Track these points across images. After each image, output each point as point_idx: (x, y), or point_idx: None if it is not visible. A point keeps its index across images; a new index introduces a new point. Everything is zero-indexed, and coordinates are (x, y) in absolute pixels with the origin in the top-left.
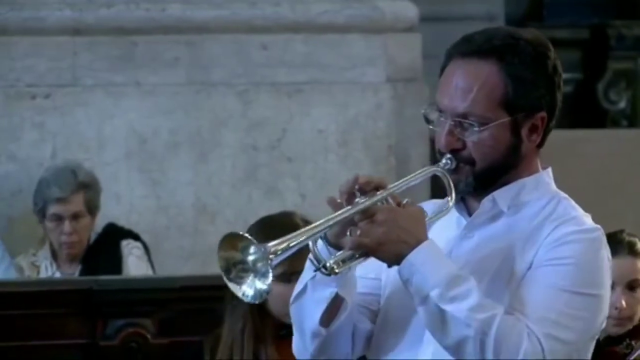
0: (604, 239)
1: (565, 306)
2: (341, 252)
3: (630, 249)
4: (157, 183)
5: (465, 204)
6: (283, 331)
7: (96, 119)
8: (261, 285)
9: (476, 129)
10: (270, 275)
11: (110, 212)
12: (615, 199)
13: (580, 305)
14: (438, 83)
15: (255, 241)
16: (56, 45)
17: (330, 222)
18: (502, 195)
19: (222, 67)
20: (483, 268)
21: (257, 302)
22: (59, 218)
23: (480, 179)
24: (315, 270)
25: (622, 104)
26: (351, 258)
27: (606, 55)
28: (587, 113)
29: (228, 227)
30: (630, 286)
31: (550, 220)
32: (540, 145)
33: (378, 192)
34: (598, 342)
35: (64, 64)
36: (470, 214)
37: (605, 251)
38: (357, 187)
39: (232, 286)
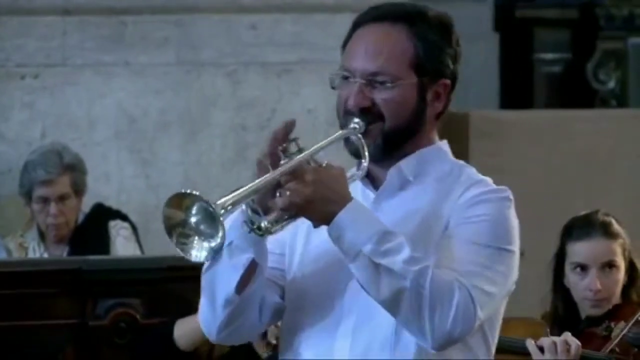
0: (512, 199)
1: (487, 260)
2: (271, 214)
3: (604, 231)
4: (146, 163)
5: (369, 178)
6: None
7: (86, 99)
8: (216, 242)
9: (389, 84)
10: (221, 231)
11: (99, 191)
12: (604, 178)
13: (499, 259)
14: (345, 51)
15: (202, 198)
16: (45, 25)
17: (264, 182)
18: (407, 164)
19: (211, 47)
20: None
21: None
22: (45, 200)
23: (389, 139)
24: (250, 232)
25: (611, 84)
26: (282, 219)
27: (595, 35)
28: (576, 93)
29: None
30: (606, 267)
31: (459, 183)
32: (439, 116)
33: (300, 155)
34: (579, 324)
35: (53, 43)
36: (375, 187)
37: (514, 210)
38: (280, 148)
39: (181, 251)
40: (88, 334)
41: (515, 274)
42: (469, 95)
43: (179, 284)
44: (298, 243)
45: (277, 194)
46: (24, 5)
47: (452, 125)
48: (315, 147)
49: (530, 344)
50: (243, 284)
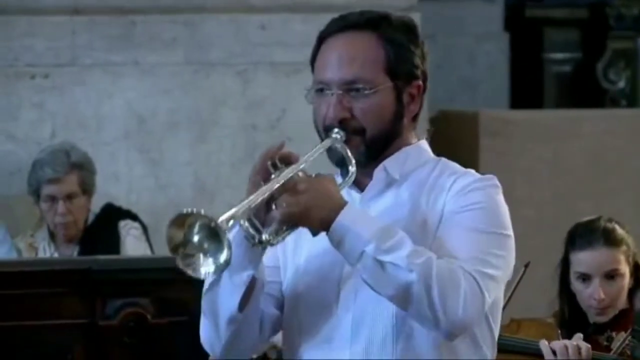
0: (500, 186)
1: (487, 245)
2: (270, 225)
3: (606, 239)
4: (156, 163)
5: (353, 182)
6: None
7: (95, 99)
8: (223, 256)
9: (367, 91)
10: (226, 247)
11: (109, 191)
12: (613, 178)
13: (499, 244)
14: (316, 65)
15: (204, 215)
16: (55, 24)
17: (259, 196)
18: (392, 164)
19: (220, 46)
20: None
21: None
22: (52, 199)
23: (371, 147)
24: (253, 245)
25: (621, 84)
26: (281, 230)
27: (605, 35)
28: (586, 92)
29: (227, 207)
30: (609, 276)
31: (446, 175)
32: (415, 117)
33: (289, 168)
34: (587, 328)
35: (62, 43)
36: (360, 190)
37: (502, 196)
38: (269, 162)
39: (187, 270)
40: (97, 333)
41: (513, 258)
42: (479, 94)
43: (189, 284)
44: (288, 253)
45: (273, 207)
46: (33, 5)
47: (462, 125)
48: (303, 159)
49: (544, 345)
50: (244, 301)
